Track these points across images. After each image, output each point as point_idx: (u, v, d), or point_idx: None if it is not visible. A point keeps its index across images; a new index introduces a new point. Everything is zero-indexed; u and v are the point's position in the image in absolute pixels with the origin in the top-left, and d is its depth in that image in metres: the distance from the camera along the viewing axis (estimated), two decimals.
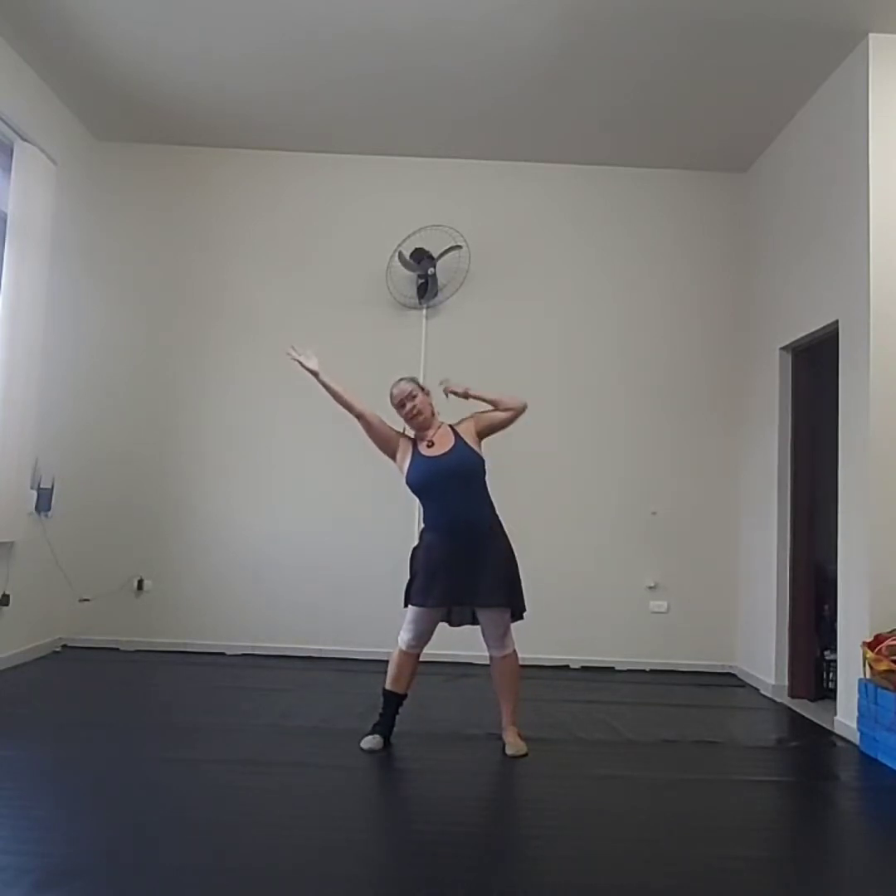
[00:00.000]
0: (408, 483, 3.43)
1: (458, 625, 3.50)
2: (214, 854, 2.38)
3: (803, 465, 4.75)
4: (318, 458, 5.33)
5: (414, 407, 3.42)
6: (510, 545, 3.43)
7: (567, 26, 4.00)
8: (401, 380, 3.51)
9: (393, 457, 3.48)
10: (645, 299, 5.47)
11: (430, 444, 3.41)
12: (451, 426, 3.49)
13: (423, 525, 3.50)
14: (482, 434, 3.49)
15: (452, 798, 2.94)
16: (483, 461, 3.45)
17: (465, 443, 3.42)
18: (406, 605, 3.42)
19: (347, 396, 3.44)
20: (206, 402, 5.37)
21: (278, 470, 5.32)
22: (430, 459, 3.38)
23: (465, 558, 3.31)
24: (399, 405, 3.45)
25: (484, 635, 3.44)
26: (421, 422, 3.44)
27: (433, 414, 3.48)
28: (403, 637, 3.43)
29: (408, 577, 3.45)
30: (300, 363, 3.45)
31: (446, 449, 3.39)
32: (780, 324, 4.86)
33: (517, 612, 3.43)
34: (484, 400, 3.51)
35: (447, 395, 3.54)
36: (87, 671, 4.61)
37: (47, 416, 4.80)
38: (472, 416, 3.53)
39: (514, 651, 3.46)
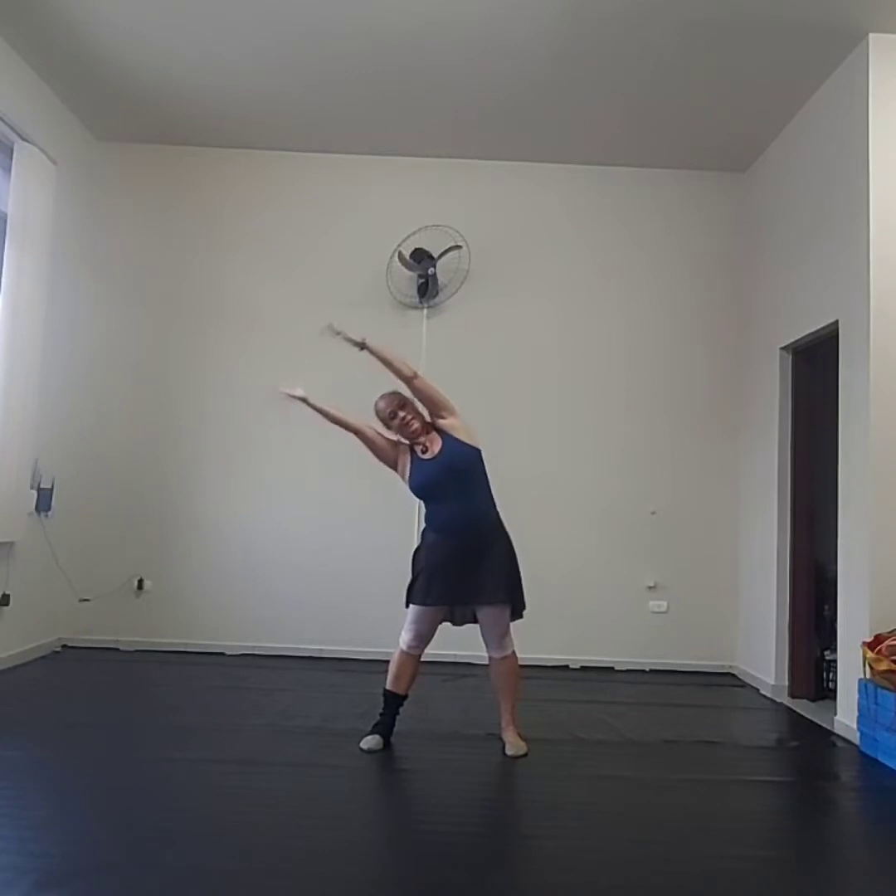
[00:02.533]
0: (411, 489, 3.45)
1: (461, 624, 3.49)
2: (214, 854, 2.38)
3: (803, 465, 4.75)
4: (318, 457, 5.33)
5: (405, 417, 3.39)
6: (511, 543, 3.43)
7: (567, 26, 4.00)
8: (383, 395, 3.48)
9: (394, 466, 3.47)
10: (645, 299, 5.47)
11: (425, 449, 3.41)
12: (435, 428, 3.46)
13: (424, 525, 3.51)
14: (450, 421, 3.45)
15: (452, 798, 2.94)
16: (478, 451, 3.43)
17: (452, 438, 3.40)
18: (407, 605, 3.42)
19: (340, 415, 3.46)
20: (205, 402, 5.36)
21: (278, 470, 5.32)
22: (427, 462, 3.38)
23: (466, 558, 3.31)
24: (389, 417, 3.41)
25: (483, 636, 3.44)
26: (414, 431, 3.41)
27: (423, 422, 3.45)
28: (404, 637, 3.43)
29: (410, 577, 3.45)
30: (289, 395, 3.47)
31: (438, 450, 3.38)
32: (780, 324, 4.86)
33: (517, 611, 3.43)
34: (377, 356, 3.41)
35: (334, 335, 3.42)
36: (87, 671, 4.61)
37: (47, 416, 4.80)
38: (432, 421, 3.49)
39: (514, 652, 3.46)
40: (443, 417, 3.45)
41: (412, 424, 3.40)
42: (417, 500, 3.53)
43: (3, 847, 2.36)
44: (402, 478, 3.46)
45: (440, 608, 3.38)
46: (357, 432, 3.46)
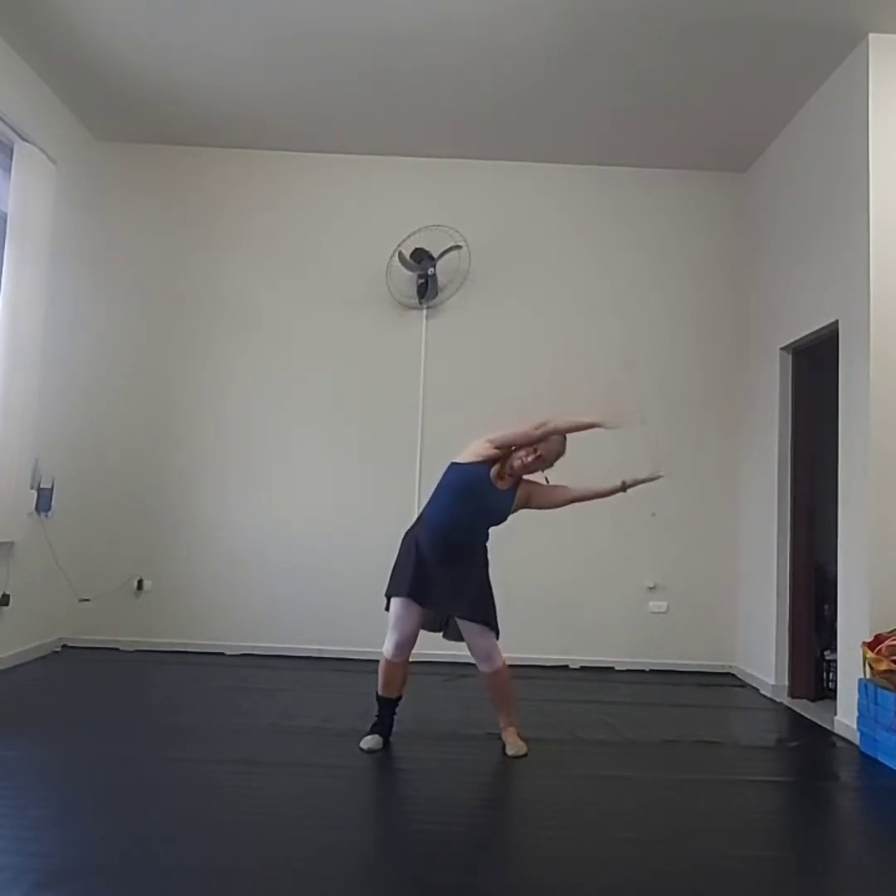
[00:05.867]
0: (456, 473, 3.34)
1: (430, 629, 3.46)
2: (214, 854, 2.38)
3: (803, 465, 4.75)
4: (317, 457, 5.33)
5: (531, 465, 3.30)
6: (489, 576, 3.44)
7: (567, 26, 4.00)
8: (562, 442, 3.36)
9: (496, 446, 3.31)
10: (645, 299, 5.47)
11: (501, 477, 3.34)
12: (523, 479, 3.42)
13: (419, 517, 3.50)
14: (528, 506, 3.43)
15: (452, 798, 2.94)
16: (504, 520, 3.41)
17: (512, 497, 3.37)
18: (387, 603, 3.41)
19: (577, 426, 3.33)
20: (205, 402, 5.36)
21: (278, 469, 5.32)
22: (488, 481, 3.31)
23: (445, 565, 3.32)
24: (532, 449, 3.28)
25: (471, 651, 3.41)
26: (516, 469, 3.32)
27: (525, 475, 3.38)
28: (387, 645, 3.39)
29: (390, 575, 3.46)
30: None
31: (502, 489, 3.34)
32: (780, 324, 4.86)
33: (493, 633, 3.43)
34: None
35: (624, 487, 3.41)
36: (87, 671, 4.61)
37: (47, 416, 4.80)
38: (532, 482, 3.44)
39: (504, 665, 3.41)
40: (535, 489, 3.42)
41: (524, 470, 3.33)
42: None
43: (3, 847, 2.36)
44: (467, 453, 3.34)
45: (420, 611, 3.36)
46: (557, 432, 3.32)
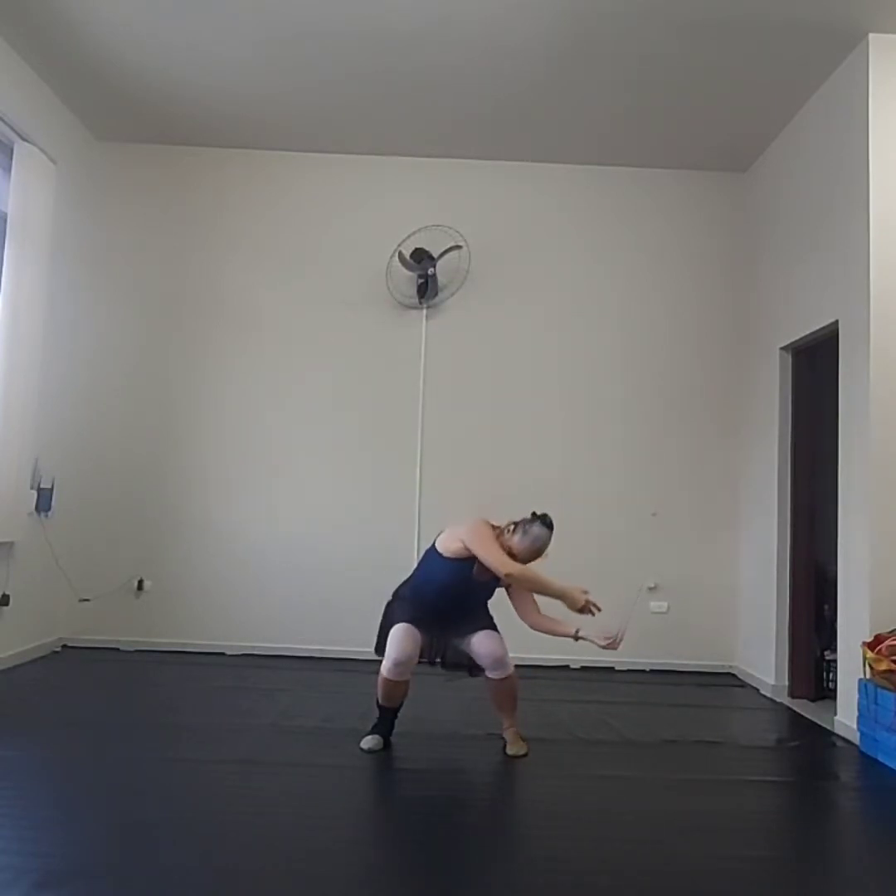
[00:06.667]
0: (438, 558, 3.34)
1: (427, 660, 3.43)
2: (214, 854, 2.38)
3: (803, 465, 4.75)
4: (317, 457, 5.33)
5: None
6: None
7: (567, 26, 4.00)
8: (547, 540, 3.41)
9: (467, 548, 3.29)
10: (645, 299, 5.47)
11: (483, 569, 3.29)
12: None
13: (407, 580, 3.50)
14: (505, 589, 3.45)
15: (452, 798, 2.94)
16: (491, 594, 3.45)
17: (496, 583, 3.38)
18: (376, 647, 3.39)
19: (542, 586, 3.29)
20: (205, 402, 5.37)
21: (278, 469, 5.32)
22: (469, 576, 3.31)
23: (444, 616, 3.37)
24: (503, 543, 3.28)
25: (481, 661, 3.37)
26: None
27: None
28: (386, 664, 3.32)
29: (379, 629, 3.44)
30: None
31: (483, 579, 3.33)
32: (780, 324, 4.86)
33: None
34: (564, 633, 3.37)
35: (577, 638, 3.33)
36: (87, 671, 4.61)
37: (47, 415, 4.80)
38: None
39: (514, 669, 3.40)
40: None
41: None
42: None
43: (3, 847, 2.36)
44: (447, 550, 3.33)
45: (419, 635, 3.31)
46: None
